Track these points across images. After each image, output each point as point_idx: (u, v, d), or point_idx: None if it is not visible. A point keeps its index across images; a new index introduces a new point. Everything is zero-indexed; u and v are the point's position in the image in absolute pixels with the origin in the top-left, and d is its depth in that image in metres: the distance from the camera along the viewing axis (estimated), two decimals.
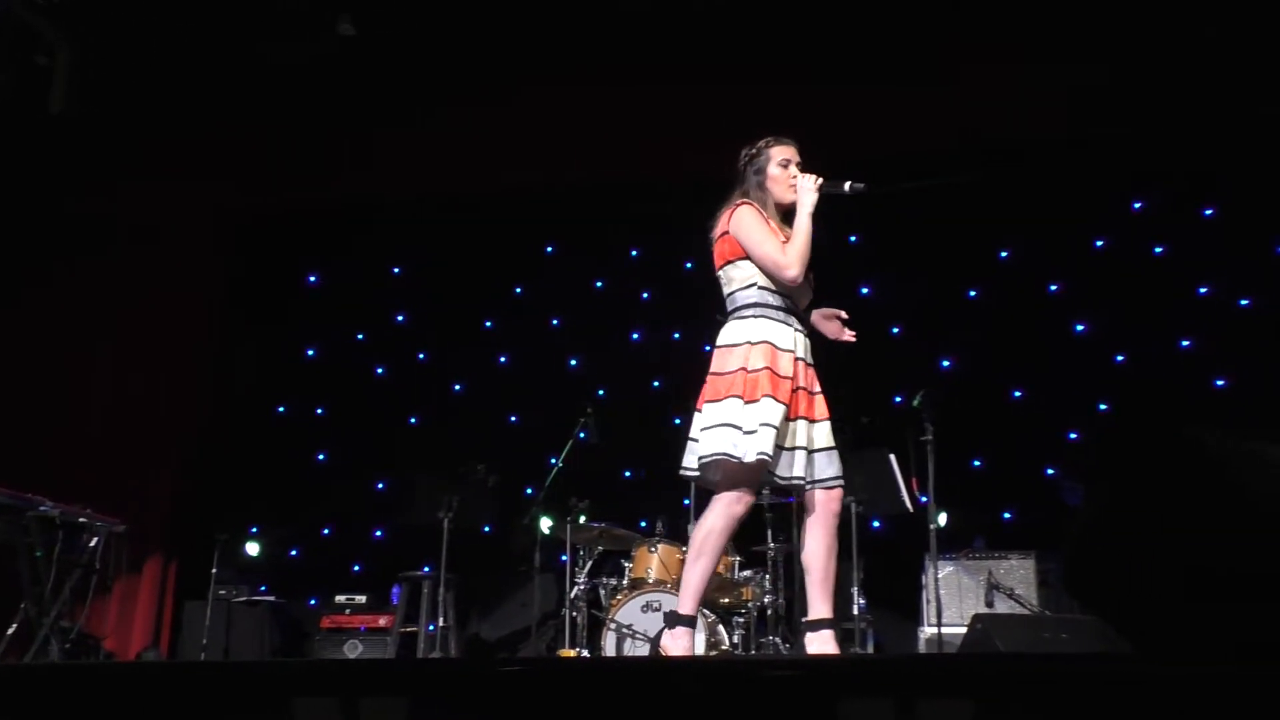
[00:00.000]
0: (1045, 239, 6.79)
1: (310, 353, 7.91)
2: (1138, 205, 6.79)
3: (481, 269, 7.51)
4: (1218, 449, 1.98)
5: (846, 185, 3.64)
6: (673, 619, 3.57)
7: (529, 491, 6.41)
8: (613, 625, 5.37)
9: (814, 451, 3.55)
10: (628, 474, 7.21)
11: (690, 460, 3.59)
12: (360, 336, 7.90)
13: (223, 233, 7.58)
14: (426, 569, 6.33)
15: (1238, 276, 6.54)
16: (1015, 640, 4.63)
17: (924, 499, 5.43)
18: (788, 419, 3.49)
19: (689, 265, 7.45)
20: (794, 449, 3.51)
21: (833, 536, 3.59)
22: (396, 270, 7.94)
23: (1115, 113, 6.21)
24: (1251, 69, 5.88)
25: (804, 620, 3.69)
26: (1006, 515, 6.69)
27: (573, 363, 7.58)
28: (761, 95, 6.28)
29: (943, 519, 5.69)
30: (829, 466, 3.57)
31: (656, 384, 7.34)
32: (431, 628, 6.24)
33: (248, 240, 7.72)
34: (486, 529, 6.86)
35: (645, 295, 7.57)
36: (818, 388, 3.66)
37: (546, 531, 6.14)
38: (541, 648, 6.13)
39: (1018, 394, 6.87)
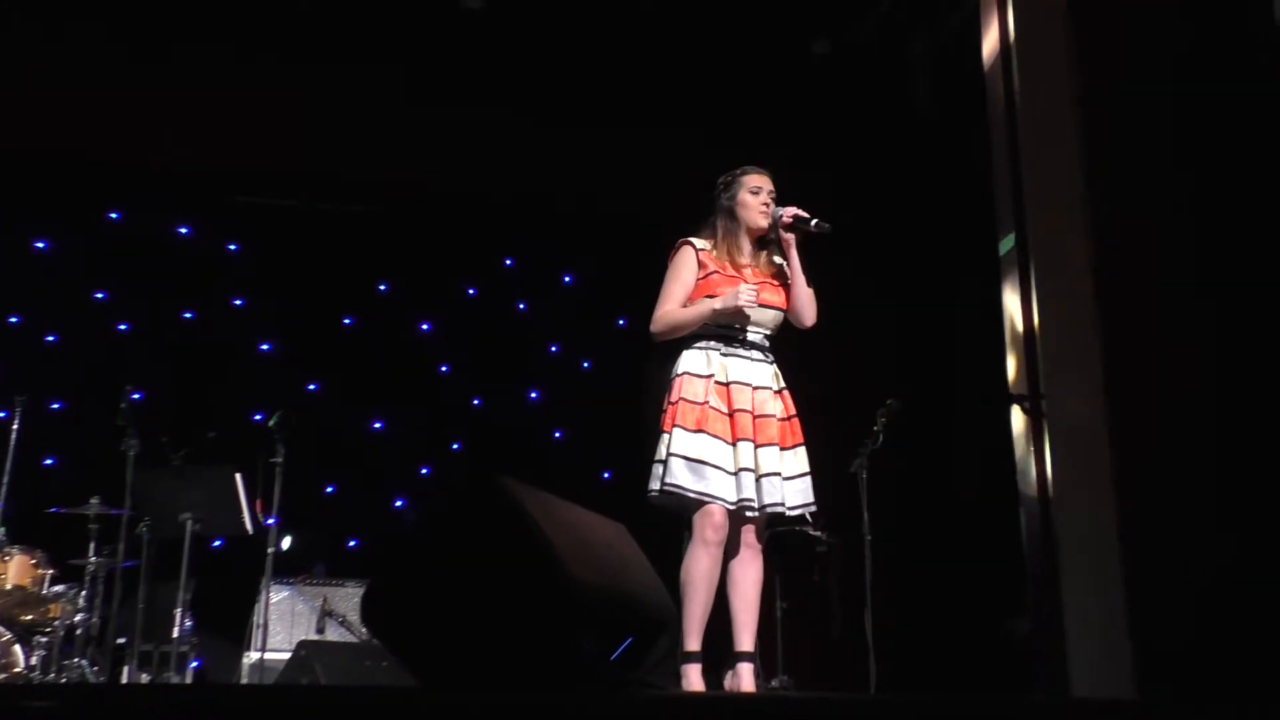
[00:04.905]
0: (423, 279, 7.06)
1: None
2: (509, 262, 7.31)
3: None
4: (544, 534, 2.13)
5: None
6: (682, 657, 3.41)
7: None
8: None
9: (763, 476, 3.44)
10: None
11: None
12: None
13: None
14: None
15: (583, 340, 7.30)
16: (336, 668, 4.69)
17: (270, 521, 5.33)
18: (726, 442, 3.44)
19: None
20: (738, 472, 3.41)
21: (760, 564, 3.55)
22: None
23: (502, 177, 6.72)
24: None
25: (735, 651, 3.51)
26: (353, 543, 6.77)
27: None
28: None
29: (287, 542, 5.62)
30: (775, 492, 3.45)
31: None
32: None
33: None
34: None
35: None
36: (773, 411, 3.54)
37: None
38: None
39: (379, 425, 7.02)
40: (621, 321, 7.28)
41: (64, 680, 4.93)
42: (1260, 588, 3.13)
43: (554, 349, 7.33)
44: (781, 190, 3.74)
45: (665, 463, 3.45)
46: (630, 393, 7.23)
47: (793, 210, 3.64)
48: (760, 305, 3.61)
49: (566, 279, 7.42)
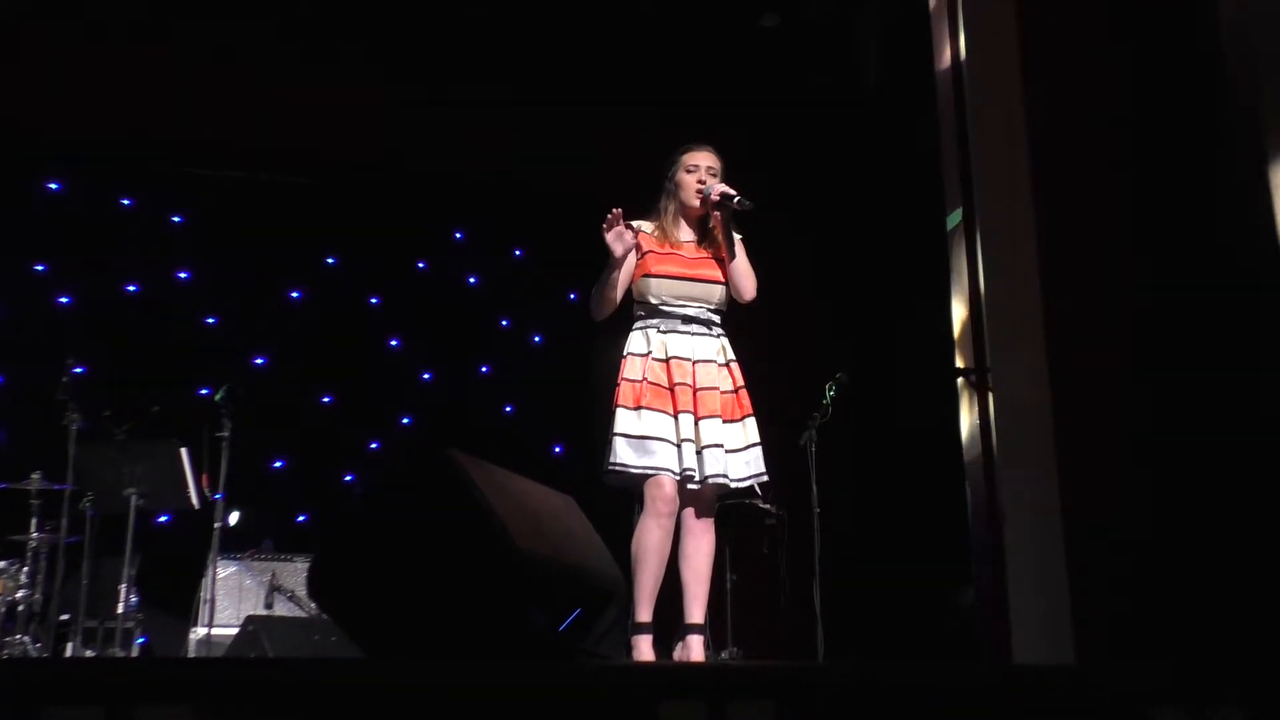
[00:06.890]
0: (372, 252, 6.99)
1: None
2: (459, 235, 7.27)
3: None
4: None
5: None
6: (632, 628, 3.46)
7: None
8: None
9: (705, 448, 3.47)
10: None
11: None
12: None
13: None
14: None
15: (535, 314, 7.28)
16: (284, 643, 4.67)
17: (217, 496, 5.28)
18: (668, 414, 3.48)
19: None
20: (680, 444, 3.47)
21: (711, 537, 3.57)
22: None
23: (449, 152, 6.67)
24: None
25: (685, 623, 3.55)
26: (301, 518, 6.72)
27: None
28: None
29: (234, 518, 5.57)
30: (717, 464, 3.46)
31: None
32: None
33: None
34: None
35: None
36: (717, 383, 3.56)
37: None
38: None
39: (328, 399, 6.96)
40: (573, 296, 7.25)
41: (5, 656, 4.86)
42: (1194, 557, 3.21)
43: (505, 323, 7.30)
44: (734, 167, 3.75)
45: (610, 444, 3.51)
46: (581, 367, 7.25)
47: (720, 188, 3.66)
48: (702, 280, 3.67)
49: (517, 253, 7.38)
